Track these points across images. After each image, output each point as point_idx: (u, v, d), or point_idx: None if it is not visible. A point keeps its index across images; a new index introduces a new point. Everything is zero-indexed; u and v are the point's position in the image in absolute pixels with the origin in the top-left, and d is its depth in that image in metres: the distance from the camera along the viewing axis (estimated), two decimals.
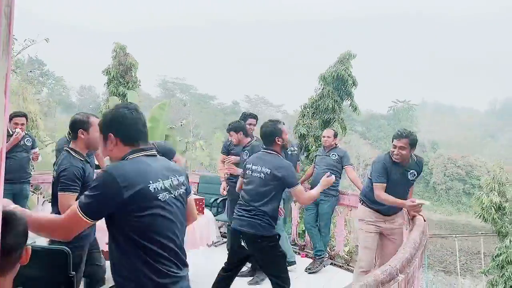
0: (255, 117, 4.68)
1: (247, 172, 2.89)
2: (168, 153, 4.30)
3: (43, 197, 5.18)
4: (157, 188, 1.50)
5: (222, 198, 5.56)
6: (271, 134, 2.86)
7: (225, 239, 5.50)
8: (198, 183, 5.99)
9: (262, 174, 2.77)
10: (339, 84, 8.76)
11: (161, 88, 54.27)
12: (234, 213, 2.92)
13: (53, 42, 13.61)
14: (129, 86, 9.74)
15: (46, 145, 8.82)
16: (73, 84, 52.83)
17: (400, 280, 1.83)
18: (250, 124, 4.45)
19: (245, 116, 4.62)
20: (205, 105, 52.56)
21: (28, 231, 1.21)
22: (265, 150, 2.89)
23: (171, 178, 1.59)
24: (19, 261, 1.15)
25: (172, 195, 1.57)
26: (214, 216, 4.93)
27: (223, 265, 2.94)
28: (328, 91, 8.73)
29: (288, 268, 4.06)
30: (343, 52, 8.90)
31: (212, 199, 5.38)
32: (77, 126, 2.40)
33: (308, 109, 9.10)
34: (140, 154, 1.56)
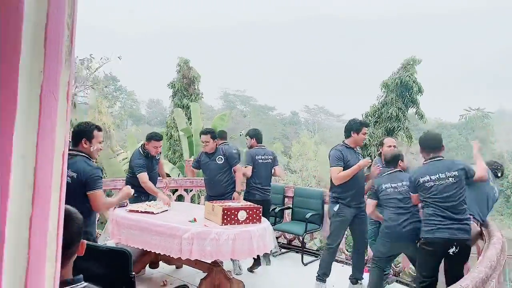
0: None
1: (427, 184, 3.14)
2: (230, 158, 4.50)
3: None
4: None
5: (280, 208, 5.53)
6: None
7: (284, 250, 5.44)
8: None
9: (450, 179, 3.07)
10: (403, 91, 8.35)
11: (223, 100, 56.02)
12: (430, 224, 3.07)
13: (124, 57, 14.71)
14: (192, 98, 10.18)
15: (118, 154, 9.49)
16: (143, 98, 56.54)
17: None
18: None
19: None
20: (265, 115, 53.13)
21: (81, 228, 1.37)
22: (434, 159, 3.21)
23: None
24: (75, 254, 1.32)
25: None
26: (272, 225, 4.90)
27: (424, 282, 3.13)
28: (392, 98, 8.37)
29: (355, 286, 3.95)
30: (407, 58, 8.48)
31: (270, 208, 5.36)
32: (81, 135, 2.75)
33: (370, 117, 8.78)
34: None
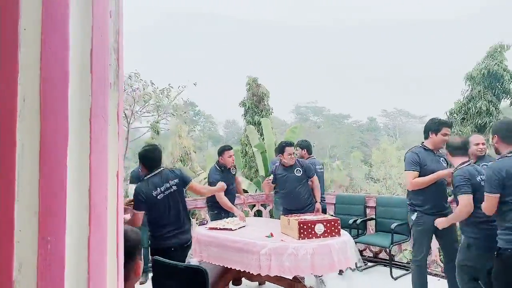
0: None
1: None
2: (308, 169, 4.44)
3: (196, 220, 5.78)
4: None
5: (362, 219, 5.24)
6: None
7: (370, 264, 5.11)
8: (334, 204, 5.79)
9: None
10: (492, 81, 7.46)
11: (295, 114, 56.11)
12: (504, 237, 2.59)
13: (199, 83, 15.59)
14: (263, 115, 10.33)
15: (198, 175, 9.95)
16: (220, 120, 59.17)
17: None
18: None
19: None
20: (340, 125, 51.85)
21: (137, 248, 1.32)
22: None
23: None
24: (132, 273, 1.28)
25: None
26: (354, 238, 4.65)
27: None
28: (479, 91, 7.52)
29: None
30: (492, 45, 7.60)
31: (351, 220, 5.11)
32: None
33: (455, 115, 7.99)
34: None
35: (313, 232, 3.22)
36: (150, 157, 3.14)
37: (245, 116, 10.96)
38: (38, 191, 0.67)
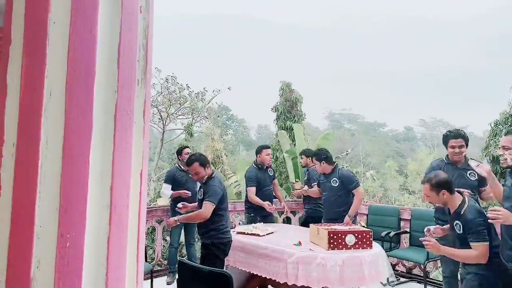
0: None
1: None
2: (345, 181, 4.27)
3: None
4: None
5: (395, 232, 5.02)
6: None
7: (403, 279, 4.89)
8: (367, 215, 5.60)
9: None
10: None
11: (328, 120, 55.41)
12: None
13: (234, 88, 15.73)
14: (295, 120, 10.23)
15: (228, 178, 9.99)
16: (252, 125, 59.49)
17: None
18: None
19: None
20: (375, 133, 50.57)
21: None
22: None
23: None
24: None
25: None
26: (387, 251, 4.46)
27: None
28: None
29: None
30: None
31: (384, 233, 4.90)
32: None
33: (500, 126, 7.53)
34: None
35: (343, 243, 3.10)
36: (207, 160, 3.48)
37: (277, 121, 10.90)
38: (60, 187, 0.66)
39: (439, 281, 4.87)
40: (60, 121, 0.66)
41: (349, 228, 3.28)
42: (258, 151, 4.80)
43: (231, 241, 3.42)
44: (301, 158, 5.40)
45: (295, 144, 9.05)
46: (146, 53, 0.82)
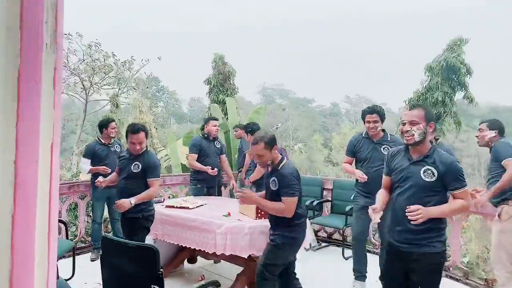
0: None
1: None
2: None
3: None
4: None
5: (318, 201, 5.36)
6: None
7: (324, 244, 5.28)
8: None
9: None
10: (449, 73, 7.77)
11: (261, 95, 56.07)
12: None
13: (164, 57, 15.02)
14: (228, 94, 10.19)
15: (158, 152, 9.72)
16: (184, 97, 57.86)
17: None
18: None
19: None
20: (304, 108, 52.49)
21: None
22: None
23: None
24: None
25: None
26: (310, 219, 4.76)
27: None
28: (436, 82, 7.81)
29: None
30: (452, 38, 7.88)
31: (308, 202, 5.21)
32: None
33: (413, 103, 8.30)
34: None
35: None
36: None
37: (210, 94, 10.76)
38: None
39: None
40: None
41: None
42: (206, 121, 4.96)
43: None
44: (235, 131, 5.86)
45: (227, 118, 9.06)
46: (56, 14, 0.74)
